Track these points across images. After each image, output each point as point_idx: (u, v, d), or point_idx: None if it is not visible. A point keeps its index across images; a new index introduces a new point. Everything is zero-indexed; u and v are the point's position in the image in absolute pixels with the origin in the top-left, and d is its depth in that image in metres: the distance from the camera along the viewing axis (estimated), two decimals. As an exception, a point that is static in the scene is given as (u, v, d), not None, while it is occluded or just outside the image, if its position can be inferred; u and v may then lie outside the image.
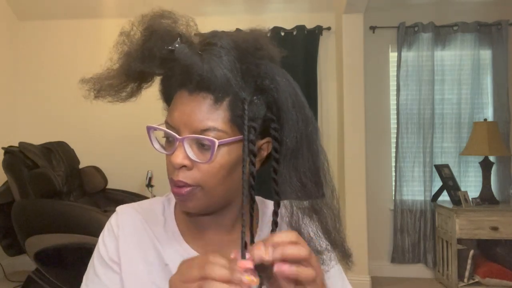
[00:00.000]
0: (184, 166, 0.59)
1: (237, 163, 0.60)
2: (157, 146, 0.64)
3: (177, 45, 0.58)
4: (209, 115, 0.58)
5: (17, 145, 2.78)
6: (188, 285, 0.47)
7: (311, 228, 0.65)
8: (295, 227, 0.65)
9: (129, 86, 0.66)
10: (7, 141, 3.12)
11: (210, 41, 0.59)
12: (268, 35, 0.63)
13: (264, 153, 0.64)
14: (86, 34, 3.61)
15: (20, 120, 3.64)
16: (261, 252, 0.48)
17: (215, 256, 0.48)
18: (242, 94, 0.58)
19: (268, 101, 0.60)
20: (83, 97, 0.65)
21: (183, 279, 0.48)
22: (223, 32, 0.63)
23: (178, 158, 0.59)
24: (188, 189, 0.60)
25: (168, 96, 0.66)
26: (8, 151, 2.71)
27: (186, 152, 0.59)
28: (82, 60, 3.54)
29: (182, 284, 0.48)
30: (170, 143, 0.63)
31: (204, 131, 0.58)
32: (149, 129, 0.63)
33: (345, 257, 0.67)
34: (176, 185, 0.61)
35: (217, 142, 0.57)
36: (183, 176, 0.60)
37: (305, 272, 0.49)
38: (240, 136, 0.59)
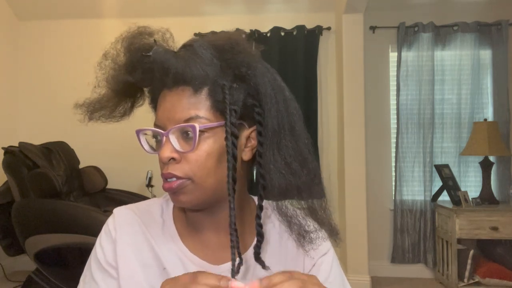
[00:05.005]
0: (173, 159, 0.61)
1: (224, 153, 0.61)
2: (146, 147, 0.66)
3: (153, 49, 0.61)
4: (190, 105, 0.60)
5: (17, 145, 2.78)
6: None
7: (298, 209, 0.67)
8: (283, 211, 0.66)
9: (121, 105, 0.68)
10: (7, 141, 3.12)
11: (186, 43, 0.63)
12: (244, 36, 0.65)
13: (254, 142, 0.65)
14: (86, 34, 3.61)
15: (20, 120, 3.64)
16: None
17: (202, 275, 0.50)
18: (220, 81, 0.60)
19: (249, 88, 0.62)
20: (78, 121, 0.68)
21: None
22: (199, 37, 0.66)
23: (166, 152, 0.60)
24: (178, 182, 0.61)
25: (156, 104, 0.67)
26: (8, 151, 2.71)
27: (173, 145, 0.60)
28: (82, 60, 3.54)
29: None
30: (159, 142, 0.64)
31: (187, 120, 0.60)
32: (138, 132, 0.65)
33: (332, 234, 0.69)
34: (166, 179, 0.62)
35: (197, 126, 0.58)
36: (172, 169, 0.61)
37: None
38: (223, 122, 0.60)
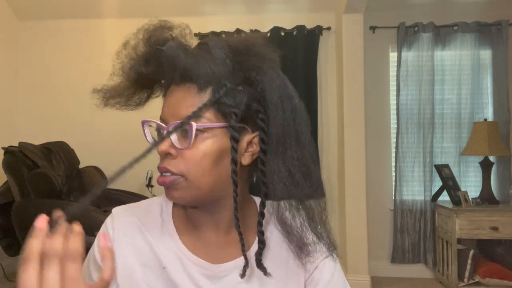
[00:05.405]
0: (170, 154, 0.61)
1: (223, 154, 0.62)
2: (149, 138, 0.67)
3: (167, 44, 0.62)
4: (193, 103, 0.60)
5: (17, 145, 2.78)
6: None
7: (298, 220, 0.66)
8: (282, 220, 0.66)
9: (137, 95, 0.70)
10: (7, 141, 3.12)
11: (202, 41, 0.63)
12: (266, 37, 0.65)
13: (256, 148, 0.65)
14: (86, 34, 3.61)
15: (20, 120, 3.64)
16: None
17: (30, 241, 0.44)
18: (225, 82, 0.60)
19: (255, 93, 0.62)
20: (95, 106, 0.69)
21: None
22: (218, 36, 0.66)
23: (163, 145, 0.61)
24: (172, 178, 0.62)
25: None
26: (8, 151, 2.71)
27: (172, 141, 0.61)
28: (82, 60, 3.55)
29: None
30: (160, 135, 0.65)
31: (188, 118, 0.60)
32: (143, 123, 0.66)
33: (330, 248, 0.69)
34: (161, 173, 0.63)
35: (194, 125, 0.59)
36: (167, 163, 0.61)
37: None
38: (222, 123, 0.61)
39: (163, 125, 0.62)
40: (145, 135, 0.66)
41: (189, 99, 0.61)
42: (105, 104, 0.69)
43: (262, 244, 0.63)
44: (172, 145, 0.61)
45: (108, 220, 0.71)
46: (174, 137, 0.61)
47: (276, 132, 0.62)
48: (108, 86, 0.69)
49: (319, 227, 0.67)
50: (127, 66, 0.67)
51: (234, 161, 0.60)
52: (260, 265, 0.64)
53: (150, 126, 0.66)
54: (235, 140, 0.60)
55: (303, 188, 0.63)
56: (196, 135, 0.59)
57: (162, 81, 0.69)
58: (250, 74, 0.61)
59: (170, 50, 0.61)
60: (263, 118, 0.62)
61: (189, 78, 0.61)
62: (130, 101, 0.69)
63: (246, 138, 0.64)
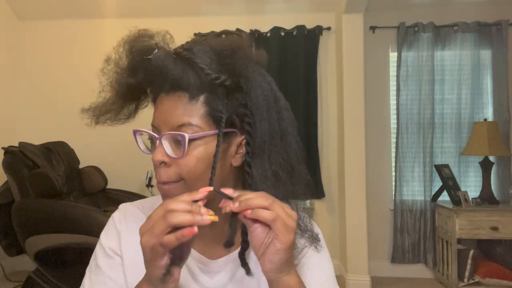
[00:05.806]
0: (164, 162, 0.63)
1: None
2: (142, 147, 0.68)
3: (154, 53, 0.62)
4: (185, 111, 0.62)
5: (17, 145, 2.78)
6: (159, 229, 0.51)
7: None
8: None
9: (126, 108, 0.71)
10: (7, 141, 3.12)
11: (186, 47, 0.63)
12: (247, 39, 0.66)
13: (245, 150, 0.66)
14: (86, 34, 3.61)
15: (20, 120, 3.64)
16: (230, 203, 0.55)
17: (170, 202, 0.52)
18: (216, 89, 0.61)
19: (242, 98, 0.63)
20: (86, 125, 0.70)
21: (154, 232, 0.51)
22: (203, 39, 0.67)
23: (157, 155, 0.62)
24: (174, 185, 0.63)
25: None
26: (8, 151, 2.71)
27: (165, 150, 0.62)
28: (81, 60, 3.55)
29: (153, 236, 0.51)
30: (153, 143, 0.67)
31: (179, 127, 0.61)
32: (135, 132, 0.67)
33: (313, 241, 0.71)
34: (161, 183, 0.65)
35: (187, 136, 0.60)
36: (166, 176, 0.63)
37: (263, 213, 0.53)
38: (212, 131, 0.62)
39: (155, 134, 0.64)
40: (137, 144, 0.68)
41: (181, 107, 0.62)
42: (96, 122, 0.70)
43: (245, 244, 0.64)
44: (166, 154, 0.62)
45: (116, 214, 0.74)
46: (166, 146, 0.62)
47: (262, 134, 0.63)
48: (96, 104, 0.70)
49: (303, 221, 0.68)
50: (114, 80, 0.67)
51: (215, 159, 0.61)
52: (244, 264, 0.66)
53: (142, 134, 0.67)
54: (220, 147, 0.61)
55: (287, 187, 0.64)
56: (188, 143, 0.61)
57: (149, 90, 0.69)
58: (236, 79, 0.62)
59: (157, 60, 0.61)
60: (249, 121, 0.63)
61: (179, 87, 0.62)
62: (119, 115, 0.71)
63: (236, 141, 0.65)
